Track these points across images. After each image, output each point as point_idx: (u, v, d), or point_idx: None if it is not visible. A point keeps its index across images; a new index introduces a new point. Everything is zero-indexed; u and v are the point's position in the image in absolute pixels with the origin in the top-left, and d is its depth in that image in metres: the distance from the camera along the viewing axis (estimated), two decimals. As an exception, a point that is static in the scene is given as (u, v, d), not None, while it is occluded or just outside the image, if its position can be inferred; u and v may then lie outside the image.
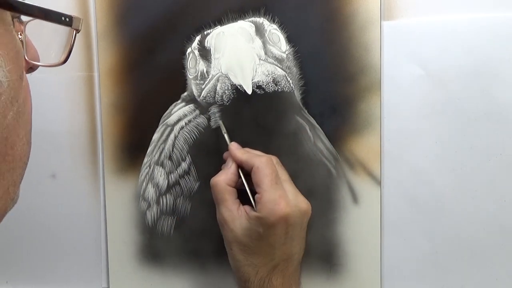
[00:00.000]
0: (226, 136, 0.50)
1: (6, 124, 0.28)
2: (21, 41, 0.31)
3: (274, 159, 0.47)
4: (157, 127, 0.53)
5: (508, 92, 0.47)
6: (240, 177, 0.47)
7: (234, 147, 0.48)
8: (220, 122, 0.51)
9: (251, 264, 0.44)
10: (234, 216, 0.44)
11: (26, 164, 0.33)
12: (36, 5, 0.30)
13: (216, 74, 0.51)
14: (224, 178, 0.46)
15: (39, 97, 0.55)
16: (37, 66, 0.35)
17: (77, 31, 0.34)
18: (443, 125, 0.49)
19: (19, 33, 0.30)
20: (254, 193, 0.46)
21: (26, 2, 0.29)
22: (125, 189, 0.55)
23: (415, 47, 0.49)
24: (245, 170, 0.47)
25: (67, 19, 0.33)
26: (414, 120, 0.49)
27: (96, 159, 0.55)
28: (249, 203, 0.46)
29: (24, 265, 0.58)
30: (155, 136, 0.53)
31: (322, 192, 0.51)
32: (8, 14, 0.28)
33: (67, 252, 0.57)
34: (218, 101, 0.51)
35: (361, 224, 0.51)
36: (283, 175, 0.47)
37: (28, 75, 0.39)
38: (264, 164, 0.44)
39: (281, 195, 0.43)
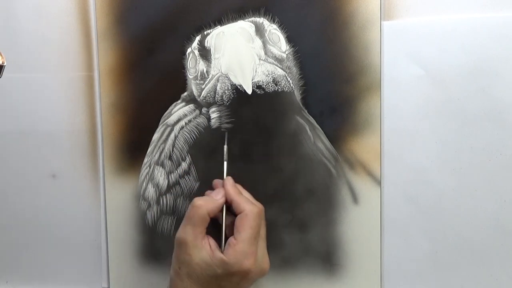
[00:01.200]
0: (225, 164, 0.49)
1: None
2: None
3: (262, 212, 0.46)
4: (157, 127, 0.53)
5: (508, 92, 0.47)
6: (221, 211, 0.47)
7: (229, 182, 0.47)
8: (225, 148, 0.50)
9: None
10: (196, 243, 0.44)
11: None
12: None
13: (216, 74, 0.51)
14: (208, 207, 0.45)
15: (39, 97, 0.55)
16: None
17: None
18: (443, 125, 0.49)
19: None
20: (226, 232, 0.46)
21: None
22: (125, 189, 0.55)
23: (415, 47, 0.49)
24: (229, 207, 0.47)
25: None
26: (414, 120, 0.49)
27: (96, 159, 0.55)
28: (215, 236, 0.46)
29: (24, 265, 0.58)
30: (155, 136, 0.53)
31: (322, 192, 0.51)
32: None
33: (67, 252, 0.57)
34: (218, 101, 0.51)
35: (361, 224, 0.51)
36: (262, 230, 0.46)
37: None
38: (254, 215, 0.44)
39: (253, 251, 0.44)
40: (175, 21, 0.52)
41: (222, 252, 0.44)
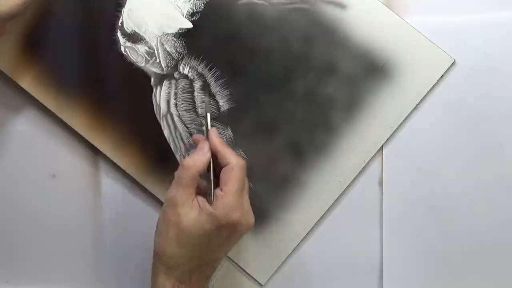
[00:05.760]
0: (208, 116, 0.48)
1: None
2: None
3: (246, 165, 0.46)
4: (157, 125, 0.52)
5: (508, 92, 0.47)
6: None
7: (215, 133, 0.47)
8: (206, 100, 0.50)
9: (181, 256, 0.44)
10: (188, 204, 0.44)
11: None
12: None
13: (156, 41, 0.50)
14: (198, 166, 0.45)
15: (39, 97, 0.55)
16: None
17: None
18: (443, 125, 0.49)
19: None
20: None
21: None
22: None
23: (415, 47, 0.49)
24: (214, 160, 0.46)
25: None
26: (414, 120, 0.49)
27: (96, 159, 0.55)
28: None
29: (24, 265, 0.58)
30: (166, 132, 0.52)
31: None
32: None
33: (67, 252, 0.57)
34: (177, 57, 0.51)
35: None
36: (246, 184, 0.46)
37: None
38: (239, 167, 0.44)
39: (241, 203, 0.44)
40: (95, 37, 0.51)
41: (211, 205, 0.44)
